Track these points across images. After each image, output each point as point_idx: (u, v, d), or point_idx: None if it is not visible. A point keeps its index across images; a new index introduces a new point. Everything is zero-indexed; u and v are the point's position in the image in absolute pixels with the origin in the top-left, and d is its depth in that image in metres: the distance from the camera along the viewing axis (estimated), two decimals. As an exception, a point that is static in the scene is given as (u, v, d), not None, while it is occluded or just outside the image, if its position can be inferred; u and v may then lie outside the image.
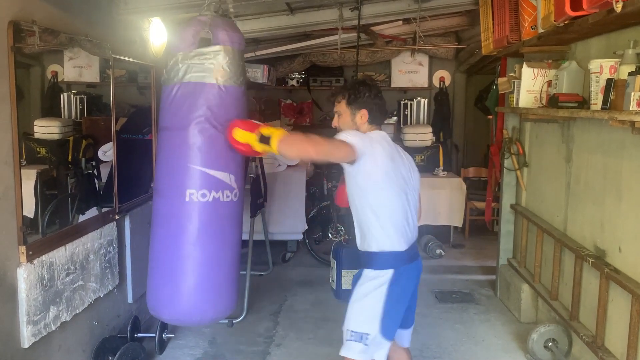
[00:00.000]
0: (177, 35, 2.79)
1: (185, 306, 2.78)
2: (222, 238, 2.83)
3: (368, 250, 2.42)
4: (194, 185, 2.71)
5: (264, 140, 2.37)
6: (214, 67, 2.70)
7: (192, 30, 2.74)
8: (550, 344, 3.40)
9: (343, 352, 2.43)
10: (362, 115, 2.47)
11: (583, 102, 3.01)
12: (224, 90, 2.73)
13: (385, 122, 7.53)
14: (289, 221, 5.44)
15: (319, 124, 7.64)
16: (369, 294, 2.38)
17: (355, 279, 2.52)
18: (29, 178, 2.99)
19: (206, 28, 2.72)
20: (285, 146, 2.30)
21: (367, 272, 2.43)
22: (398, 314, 2.43)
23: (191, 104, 2.71)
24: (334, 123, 2.57)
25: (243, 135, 2.49)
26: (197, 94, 2.70)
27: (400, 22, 6.11)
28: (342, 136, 2.31)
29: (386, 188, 2.36)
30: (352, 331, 2.39)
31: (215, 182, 2.74)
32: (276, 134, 2.32)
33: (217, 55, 2.71)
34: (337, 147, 2.29)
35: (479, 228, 6.65)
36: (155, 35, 3.65)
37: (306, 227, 5.44)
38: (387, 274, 2.38)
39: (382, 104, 2.53)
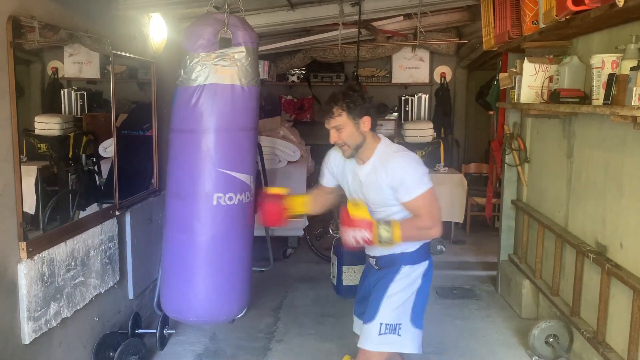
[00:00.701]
0: (193, 34, 2.74)
1: (215, 305, 2.87)
2: (245, 238, 2.91)
3: (405, 251, 2.45)
4: (222, 189, 2.73)
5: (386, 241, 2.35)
6: (237, 69, 2.69)
7: (210, 29, 2.70)
8: (551, 339, 3.40)
9: (374, 347, 2.41)
10: (365, 122, 2.37)
11: (584, 98, 2.99)
12: (247, 91, 2.74)
13: (386, 118, 7.56)
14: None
15: (319, 120, 7.61)
16: (407, 287, 2.45)
17: (388, 274, 2.48)
18: (30, 174, 2.99)
19: (225, 28, 2.70)
20: (407, 239, 2.39)
21: (405, 269, 2.46)
22: (425, 302, 2.51)
23: (217, 107, 2.69)
24: (334, 139, 2.41)
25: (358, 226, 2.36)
26: (223, 96, 2.69)
27: (401, 17, 6.09)
28: (426, 185, 2.38)
29: None
30: (387, 324, 2.41)
31: (240, 184, 2.77)
32: (395, 233, 2.31)
33: (240, 56, 2.69)
34: (436, 200, 2.41)
35: (480, 224, 6.64)
36: (155, 31, 3.64)
37: (307, 224, 5.44)
38: (424, 266, 2.49)
39: (376, 106, 2.51)
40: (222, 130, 2.71)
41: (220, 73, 2.67)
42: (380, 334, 2.40)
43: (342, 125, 2.37)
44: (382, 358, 2.43)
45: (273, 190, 2.76)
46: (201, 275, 2.83)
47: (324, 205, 2.83)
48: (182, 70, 2.73)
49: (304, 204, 2.75)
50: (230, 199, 2.74)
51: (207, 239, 2.78)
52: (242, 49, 2.69)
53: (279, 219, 2.69)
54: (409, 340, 2.43)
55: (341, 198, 2.70)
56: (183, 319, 2.94)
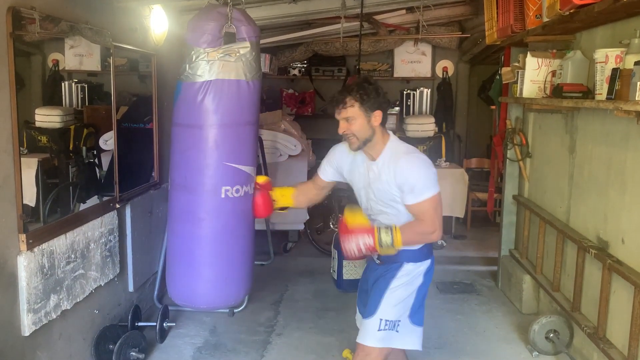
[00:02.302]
0: (197, 29, 2.73)
1: (222, 295, 2.94)
2: (251, 229, 2.96)
3: (410, 248, 2.43)
4: (229, 182, 2.77)
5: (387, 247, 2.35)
6: (242, 64, 2.71)
7: (215, 24, 2.69)
8: (551, 335, 3.40)
9: (373, 342, 2.40)
10: (377, 116, 2.33)
11: (587, 92, 2.98)
12: (252, 86, 2.77)
13: (388, 112, 7.54)
14: (290, 211, 5.41)
15: (320, 113, 7.60)
16: (408, 284, 2.44)
17: (390, 271, 2.46)
18: (30, 167, 2.99)
19: (228, 22, 2.70)
20: (408, 243, 2.37)
21: (408, 266, 2.45)
22: (424, 299, 2.50)
23: (223, 102, 2.72)
24: (343, 130, 2.36)
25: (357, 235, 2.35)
26: (230, 91, 2.72)
27: (404, 11, 6.07)
28: (433, 189, 2.34)
29: None
30: (387, 320, 2.40)
31: (245, 177, 2.81)
32: (396, 238, 2.30)
33: (245, 51, 2.70)
34: (440, 205, 2.37)
35: (481, 219, 6.64)
36: (156, 23, 3.62)
37: (307, 217, 5.43)
38: (426, 264, 2.47)
39: (388, 102, 2.45)
40: (228, 125, 2.75)
41: (226, 69, 2.68)
42: (379, 330, 2.40)
43: (353, 117, 2.32)
44: (381, 354, 2.41)
45: (258, 179, 2.83)
46: (210, 264, 2.88)
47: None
48: (187, 65, 2.72)
49: (289, 197, 2.79)
50: (237, 191, 2.78)
51: (216, 231, 2.83)
52: (247, 44, 2.70)
53: (267, 210, 2.81)
54: (407, 337, 2.43)
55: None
56: (193, 306, 3.09)
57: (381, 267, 2.51)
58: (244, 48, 2.69)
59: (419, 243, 2.43)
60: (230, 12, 2.69)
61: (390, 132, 2.47)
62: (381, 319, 2.40)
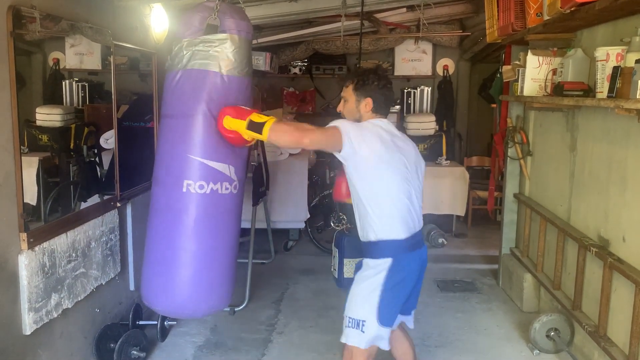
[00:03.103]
0: (183, 21, 2.74)
1: (179, 298, 2.72)
2: (218, 231, 2.76)
3: (367, 240, 2.43)
4: (192, 176, 2.64)
5: (255, 127, 2.35)
6: (218, 55, 2.64)
7: (199, 16, 2.68)
8: (552, 333, 3.40)
9: (343, 339, 2.46)
10: (367, 103, 2.46)
11: (588, 91, 2.97)
12: (227, 80, 2.68)
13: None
14: (291, 210, 5.43)
15: (321, 112, 7.60)
16: (367, 281, 2.41)
17: (357, 268, 2.54)
18: (31, 165, 2.99)
19: (213, 14, 2.67)
20: (275, 134, 2.32)
21: (367, 261, 2.45)
22: (396, 303, 2.43)
23: (192, 92, 2.65)
24: (339, 108, 2.57)
25: (232, 123, 2.45)
26: (199, 81, 2.65)
27: (404, 9, 6.06)
28: (333, 123, 2.36)
29: (382, 177, 2.36)
30: (350, 318, 2.42)
31: (214, 173, 2.67)
32: (268, 122, 2.31)
33: (223, 43, 2.65)
34: (330, 135, 2.33)
35: (482, 217, 6.63)
36: (157, 21, 3.62)
37: (308, 216, 5.44)
38: (386, 263, 2.38)
39: (390, 95, 2.52)
40: (194, 116, 2.63)
41: (198, 59, 2.64)
42: (346, 327, 2.43)
43: (347, 98, 2.52)
44: (361, 353, 2.40)
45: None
46: (171, 264, 2.72)
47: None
48: (169, 56, 2.74)
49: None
50: (201, 187, 2.64)
51: (176, 226, 2.70)
52: (225, 35, 2.64)
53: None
54: (372, 338, 2.39)
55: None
56: (151, 306, 2.82)
57: (356, 265, 2.57)
58: (221, 40, 2.66)
59: (290, 136, 2.35)
60: (218, 5, 2.68)
61: (375, 120, 2.48)
62: (346, 316, 2.44)
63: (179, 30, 2.72)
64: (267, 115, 2.41)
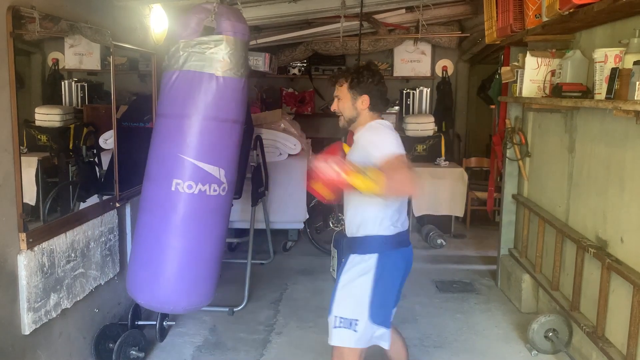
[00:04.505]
0: (181, 22, 2.76)
1: (160, 293, 2.78)
2: (204, 231, 2.80)
3: (355, 236, 2.41)
4: (182, 175, 2.69)
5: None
6: (214, 57, 2.67)
7: (196, 17, 2.71)
8: (550, 334, 3.40)
9: (333, 341, 2.39)
10: (364, 100, 2.43)
11: (587, 92, 2.98)
12: (222, 82, 2.70)
13: (387, 111, 7.53)
14: (290, 210, 5.43)
15: (320, 112, 7.60)
16: (357, 279, 2.37)
17: (341, 266, 2.48)
18: (30, 165, 2.99)
19: (210, 16, 2.69)
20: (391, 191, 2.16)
21: (353, 257, 2.41)
22: (388, 300, 2.42)
23: (188, 93, 2.68)
24: (333, 107, 2.51)
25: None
26: (194, 82, 2.67)
27: (403, 10, 6.06)
28: (392, 151, 2.20)
29: None
30: (342, 318, 2.36)
31: (203, 175, 2.71)
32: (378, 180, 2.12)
33: (219, 45, 2.67)
34: (406, 162, 2.19)
35: (481, 218, 6.64)
36: (156, 22, 3.62)
37: (307, 216, 5.44)
38: (373, 258, 2.36)
39: (385, 91, 2.49)
40: (187, 117, 2.67)
41: (194, 60, 2.66)
42: (335, 327, 2.37)
43: (341, 96, 2.47)
44: (352, 353, 2.36)
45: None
46: (154, 260, 2.78)
47: None
48: (166, 56, 2.75)
49: None
50: (190, 187, 2.69)
51: (162, 223, 2.74)
52: (221, 37, 2.66)
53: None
54: (367, 336, 2.36)
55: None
56: (134, 298, 2.88)
57: (341, 262, 2.50)
58: (217, 42, 2.67)
59: (393, 190, 2.16)
60: (216, 7, 2.70)
61: (382, 119, 2.47)
62: (335, 317, 2.38)
63: (177, 31, 2.75)
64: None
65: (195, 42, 2.68)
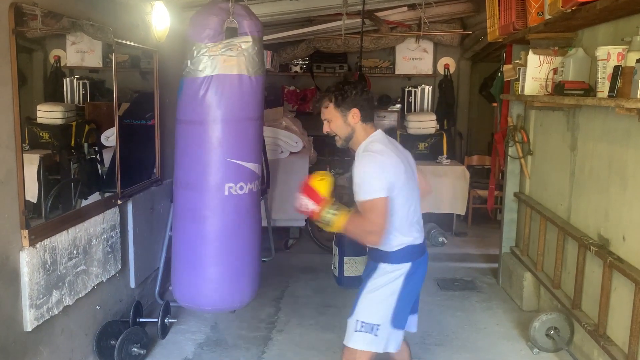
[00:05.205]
0: (198, 24, 2.72)
1: (227, 294, 2.93)
2: (256, 226, 2.95)
3: (385, 250, 2.39)
4: (232, 178, 2.76)
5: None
6: (244, 59, 2.68)
7: (218, 19, 2.69)
8: (552, 332, 3.40)
9: (351, 344, 2.39)
10: (354, 114, 2.36)
11: (589, 90, 2.97)
12: (254, 81, 2.74)
13: (389, 109, 7.54)
14: (291, 208, 5.38)
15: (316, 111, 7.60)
16: (385, 286, 2.38)
17: (369, 271, 2.47)
18: (32, 163, 2.99)
19: (230, 17, 2.68)
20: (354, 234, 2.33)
21: (384, 266, 2.40)
22: (409, 304, 2.45)
23: (225, 98, 2.70)
24: (325, 130, 2.44)
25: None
26: (232, 87, 2.70)
27: (405, 8, 6.06)
28: (370, 195, 2.22)
29: (404, 192, 2.33)
30: (363, 322, 2.37)
31: (249, 174, 2.81)
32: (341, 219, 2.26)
33: (247, 46, 2.68)
34: (383, 206, 2.22)
35: (482, 216, 6.63)
36: (158, 19, 3.62)
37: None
38: (405, 267, 2.38)
39: (370, 99, 2.44)
40: (230, 121, 2.73)
41: (227, 63, 2.67)
42: (356, 331, 2.37)
43: (330, 117, 2.40)
44: (364, 356, 2.38)
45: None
46: (214, 264, 2.87)
47: None
48: (188, 61, 2.71)
49: None
50: (241, 188, 2.78)
51: (220, 229, 2.82)
52: (249, 38, 2.68)
53: None
54: (385, 341, 2.37)
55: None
56: (197, 307, 3.03)
57: (368, 267, 2.50)
58: (245, 42, 2.68)
59: (360, 239, 2.35)
60: (232, 6, 2.69)
61: (377, 130, 2.44)
62: (357, 320, 2.38)
63: (195, 34, 2.69)
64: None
65: (223, 45, 2.67)
